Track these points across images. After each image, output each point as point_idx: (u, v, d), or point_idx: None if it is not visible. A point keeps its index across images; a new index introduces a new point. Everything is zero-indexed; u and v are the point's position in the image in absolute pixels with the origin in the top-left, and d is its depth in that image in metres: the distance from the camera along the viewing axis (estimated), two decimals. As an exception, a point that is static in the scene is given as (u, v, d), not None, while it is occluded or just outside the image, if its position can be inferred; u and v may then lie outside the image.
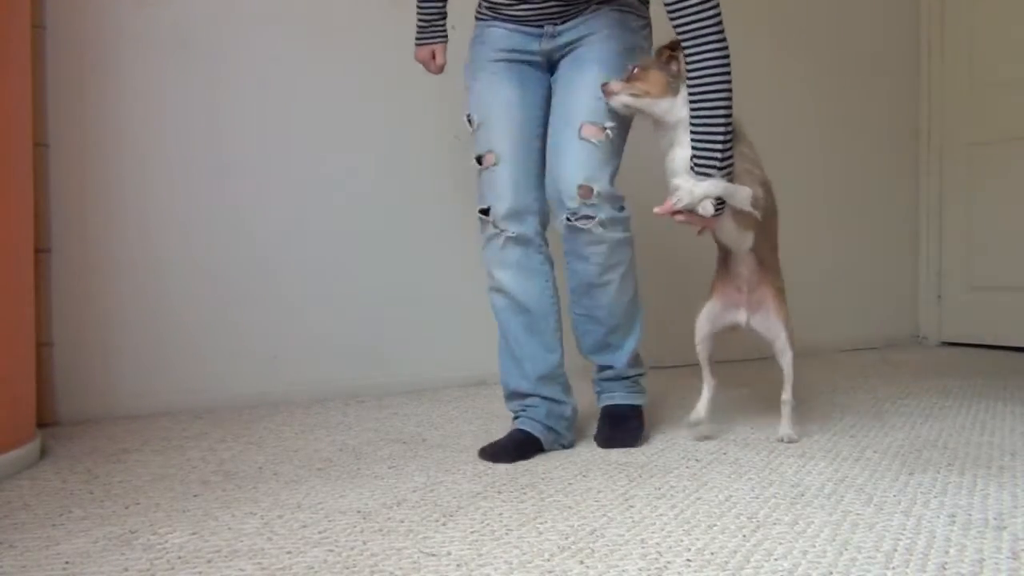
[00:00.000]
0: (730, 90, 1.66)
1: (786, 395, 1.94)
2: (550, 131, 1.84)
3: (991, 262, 3.75)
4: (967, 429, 2.05)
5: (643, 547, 1.24)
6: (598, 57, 1.80)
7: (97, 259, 2.31)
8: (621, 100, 1.74)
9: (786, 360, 1.91)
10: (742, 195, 1.72)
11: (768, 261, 1.89)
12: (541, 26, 1.84)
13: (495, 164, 1.83)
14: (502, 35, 1.87)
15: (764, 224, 1.82)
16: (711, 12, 1.62)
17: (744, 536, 1.28)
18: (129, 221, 2.35)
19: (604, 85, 1.75)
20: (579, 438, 1.95)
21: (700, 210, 1.69)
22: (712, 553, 1.21)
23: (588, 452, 1.86)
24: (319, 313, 2.59)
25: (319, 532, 1.33)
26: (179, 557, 1.22)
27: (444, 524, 1.36)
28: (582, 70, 1.80)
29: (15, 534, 1.34)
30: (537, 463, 1.77)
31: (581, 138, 1.76)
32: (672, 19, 1.65)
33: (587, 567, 1.16)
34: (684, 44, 1.65)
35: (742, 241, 1.83)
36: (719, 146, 1.66)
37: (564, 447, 1.89)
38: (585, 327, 1.91)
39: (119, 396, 2.32)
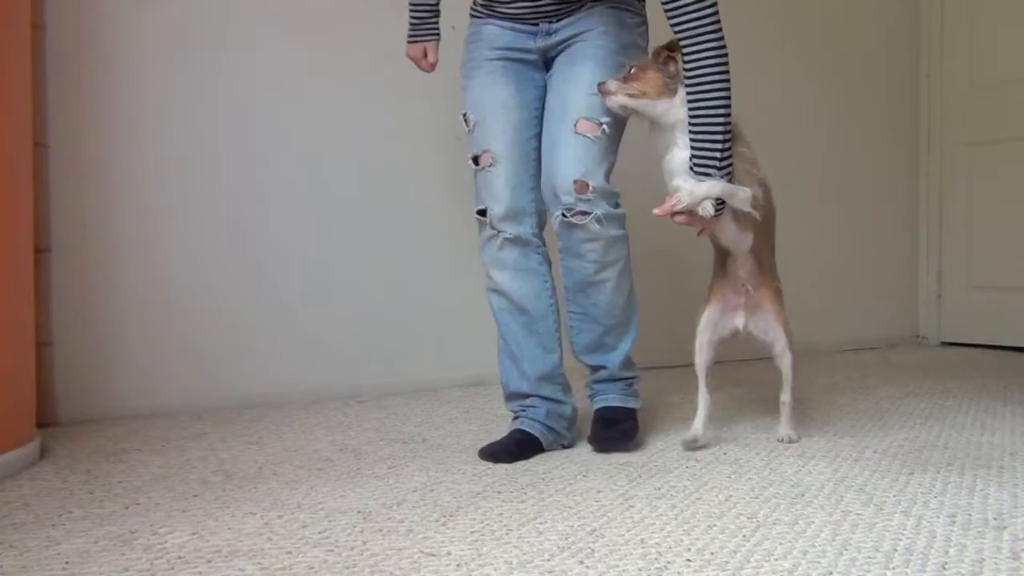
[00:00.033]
0: (729, 90, 1.65)
1: (785, 396, 1.93)
2: (545, 127, 1.83)
3: (991, 262, 3.75)
4: (967, 429, 2.05)
5: (643, 547, 1.24)
6: (593, 54, 1.79)
7: (97, 259, 2.31)
8: (618, 101, 1.73)
9: (786, 363, 1.90)
10: (742, 196, 1.71)
11: (766, 262, 1.88)
12: (536, 24, 1.84)
13: (491, 165, 1.83)
14: (497, 33, 1.86)
15: (763, 225, 1.82)
16: (709, 12, 1.62)
17: (744, 536, 1.28)
18: (129, 221, 2.35)
19: (601, 85, 1.74)
20: (579, 438, 1.95)
21: (700, 211, 1.68)
22: (712, 553, 1.21)
23: (588, 452, 1.86)
24: (319, 313, 2.59)
25: (319, 532, 1.33)
26: (179, 557, 1.22)
27: (444, 524, 1.36)
28: (577, 66, 1.79)
29: (15, 534, 1.34)
30: (537, 463, 1.77)
31: (576, 133, 1.75)
32: (670, 18, 1.64)
33: (587, 567, 1.16)
34: (682, 44, 1.65)
35: (741, 242, 1.82)
36: (719, 146, 1.66)
37: (564, 447, 1.89)
38: (581, 326, 1.89)
39: (119, 396, 2.32)
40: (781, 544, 1.25)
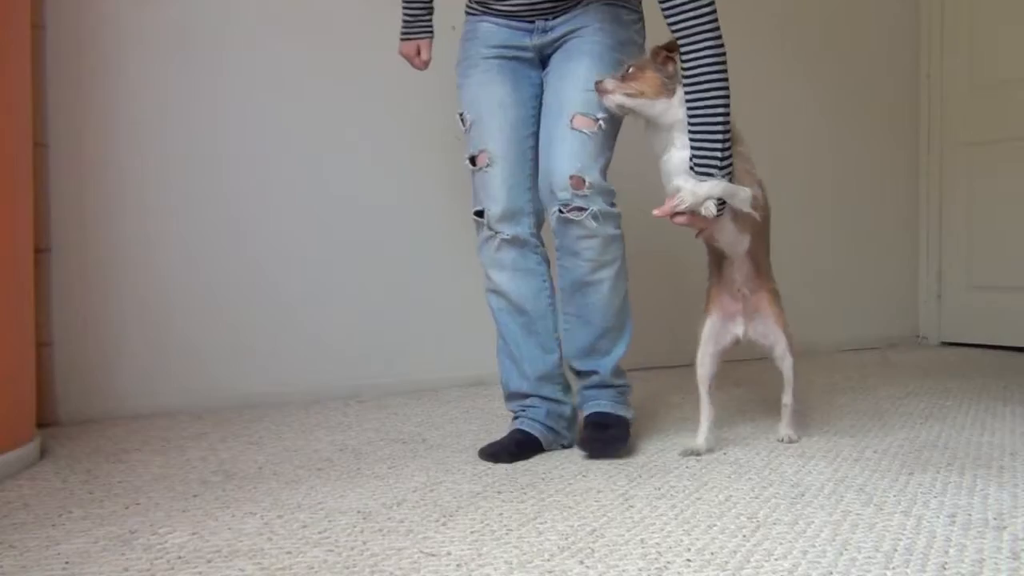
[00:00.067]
0: (728, 89, 1.65)
1: (787, 398, 1.92)
2: (542, 123, 1.82)
3: (991, 262, 3.75)
4: (967, 429, 2.05)
5: (643, 547, 1.24)
6: (590, 49, 1.78)
7: (97, 259, 2.31)
8: (615, 100, 1.71)
9: (787, 366, 1.89)
10: (743, 196, 1.70)
11: (763, 265, 1.87)
12: (532, 21, 1.83)
13: (488, 165, 1.82)
14: (493, 31, 1.85)
15: (760, 226, 1.80)
16: (706, 10, 1.61)
17: (744, 536, 1.28)
18: (129, 221, 2.35)
19: (598, 83, 1.72)
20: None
21: (703, 211, 1.66)
22: (712, 553, 1.21)
23: (588, 452, 1.86)
24: (319, 313, 2.59)
25: (319, 532, 1.33)
26: (179, 557, 1.22)
27: (444, 524, 1.36)
28: (573, 62, 1.79)
29: (15, 534, 1.34)
30: (537, 463, 1.77)
31: (572, 129, 1.74)
32: (667, 17, 1.64)
33: (587, 567, 1.16)
34: (680, 43, 1.64)
35: (739, 244, 1.80)
36: (719, 145, 1.65)
37: (564, 447, 1.89)
38: (575, 330, 1.85)
39: (119, 396, 2.32)
40: (781, 544, 1.25)
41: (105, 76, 2.33)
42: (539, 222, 1.87)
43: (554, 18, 1.82)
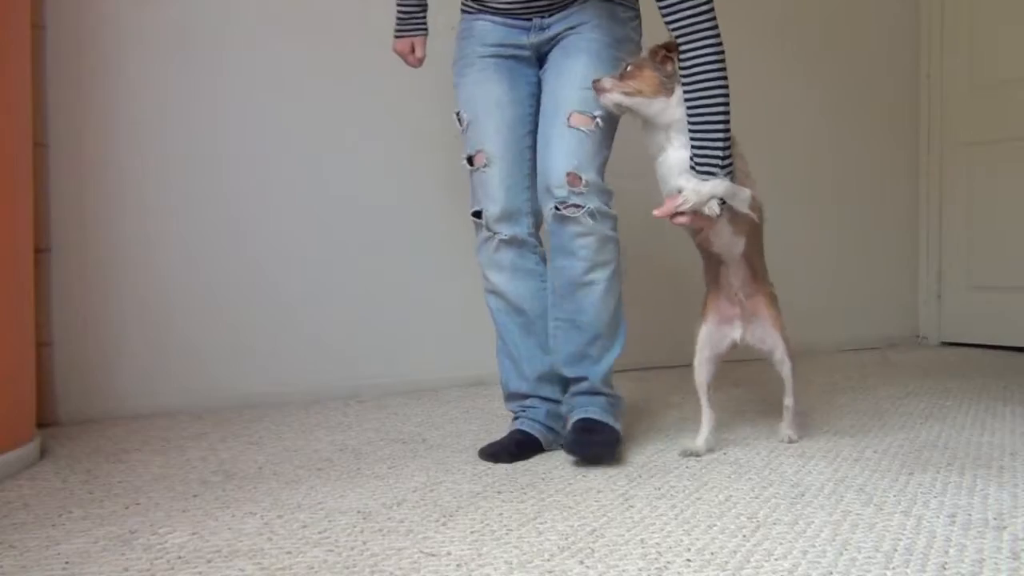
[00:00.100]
0: (727, 87, 1.64)
1: (788, 400, 1.91)
2: (540, 122, 1.81)
3: (991, 262, 3.75)
4: (967, 429, 2.05)
5: (643, 547, 1.24)
6: (586, 47, 1.77)
7: (97, 259, 2.31)
8: (613, 99, 1.70)
9: (786, 370, 1.88)
10: (743, 196, 1.69)
11: (759, 268, 1.85)
12: (529, 19, 1.82)
13: (486, 165, 1.81)
14: (489, 29, 1.84)
15: (755, 228, 1.79)
16: (705, 8, 1.60)
17: (744, 536, 1.28)
18: (129, 221, 2.35)
19: (596, 82, 1.71)
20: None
21: (707, 210, 1.65)
22: (712, 553, 1.21)
23: (588, 452, 1.86)
24: (319, 313, 2.59)
25: (319, 532, 1.33)
26: (179, 557, 1.22)
27: (444, 524, 1.36)
28: (570, 59, 1.77)
29: (15, 534, 1.34)
30: (537, 463, 1.77)
31: (570, 127, 1.73)
32: (665, 16, 1.63)
33: (587, 567, 1.16)
34: (679, 42, 1.63)
35: (735, 247, 1.79)
36: (720, 144, 1.64)
37: (564, 447, 1.89)
38: (565, 335, 1.80)
39: (119, 396, 2.32)
40: (781, 544, 1.25)
41: (105, 76, 2.33)
42: (537, 222, 1.86)
43: (550, 15, 1.81)
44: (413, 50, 1.97)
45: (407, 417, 2.28)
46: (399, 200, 2.72)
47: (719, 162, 1.64)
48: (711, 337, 1.85)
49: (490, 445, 1.83)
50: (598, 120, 1.74)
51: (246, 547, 1.26)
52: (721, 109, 1.63)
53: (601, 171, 1.77)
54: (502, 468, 1.73)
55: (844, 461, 1.74)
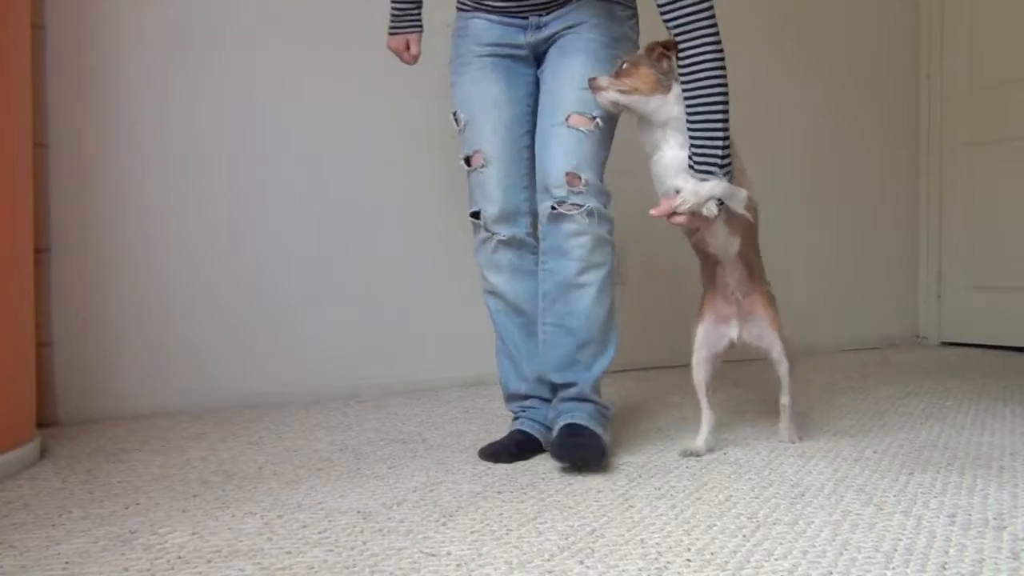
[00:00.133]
0: (727, 86, 1.62)
1: (785, 399, 1.90)
2: (538, 122, 1.80)
3: (991, 262, 3.75)
4: (967, 429, 2.05)
5: (643, 547, 1.24)
6: (584, 46, 1.76)
7: (97, 259, 2.31)
8: (609, 97, 1.68)
9: (783, 369, 1.86)
10: (741, 196, 1.68)
11: (755, 267, 1.84)
12: (526, 17, 1.80)
13: (483, 165, 1.80)
14: (485, 27, 1.83)
15: (750, 227, 1.79)
16: (705, 7, 1.59)
17: (744, 536, 1.28)
18: (129, 221, 2.35)
19: (592, 80, 1.69)
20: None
21: (705, 211, 1.64)
22: (712, 553, 1.21)
23: (588, 452, 1.86)
24: (319, 313, 2.59)
25: (319, 532, 1.33)
26: (179, 557, 1.22)
27: (444, 524, 1.36)
28: (568, 59, 1.76)
29: (15, 534, 1.34)
30: (537, 463, 1.77)
31: (569, 127, 1.72)
32: (663, 14, 1.61)
33: (587, 567, 1.16)
34: (678, 40, 1.61)
35: (730, 246, 1.78)
36: (720, 144, 1.63)
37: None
38: (554, 340, 1.76)
39: (119, 396, 2.32)
40: (781, 544, 1.25)
41: (105, 76, 2.33)
42: (536, 222, 1.85)
43: (547, 13, 1.79)
44: (408, 47, 1.96)
45: (407, 417, 2.28)
46: (399, 200, 2.73)
47: (718, 162, 1.63)
48: (708, 337, 1.85)
49: (490, 445, 1.83)
50: (598, 121, 1.73)
51: (246, 547, 1.26)
52: (721, 108, 1.62)
53: (600, 172, 1.76)
54: (502, 468, 1.72)
55: (844, 461, 1.74)
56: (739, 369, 2.52)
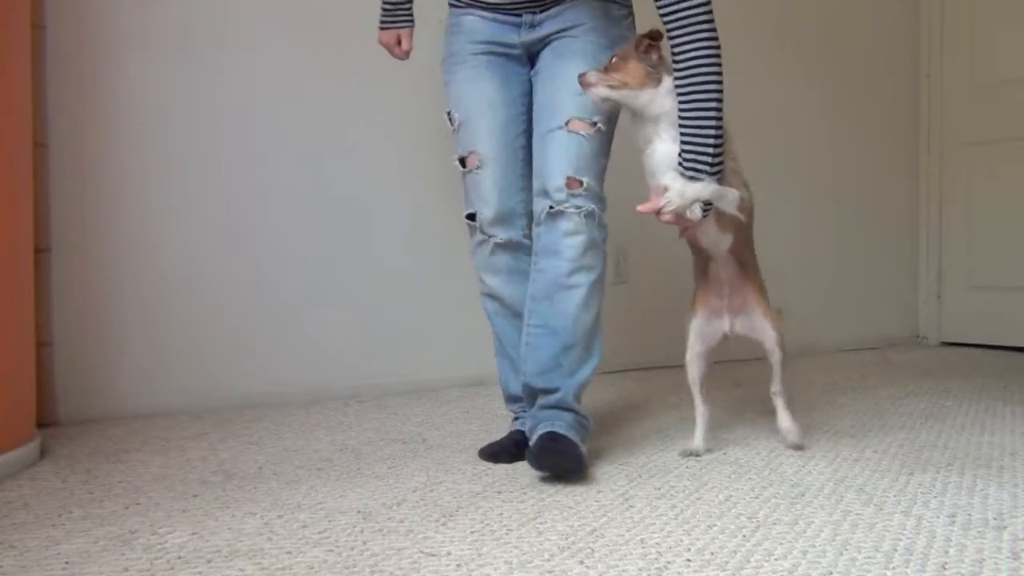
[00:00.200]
0: (721, 84, 1.59)
1: (775, 387, 1.85)
2: (535, 128, 1.77)
3: (991, 262, 3.75)
4: (967, 429, 2.05)
5: (643, 547, 1.24)
6: (582, 49, 1.72)
7: (97, 259, 2.31)
8: (599, 92, 1.65)
9: (775, 358, 1.83)
10: (731, 198, 1.65)
11: (747, 262, 1.83)
12: (519, 15, 1.77)
13: (479, 167, 1.78)
14: (478, 24, 1.80)
15: (743, 225, 1.77)
16: (703, 7, 1.56)
17: (744, 536, 1.28)
18: (129, 221, 2.35)
19: (581, 76, 1.65)
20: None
21: (688, 214, 1.62)
22: (712, 553, 1.21)
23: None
24: (319, 313, 2.60)
25: (319, 532, 1.33)
26: (179, 557, 1.22)
27: (444, 524, 1.36)
28: (565, 63, 1.72)
29: (15, 534, 1.34)
30: (537, 463, 1.76)
31: (569, 132, 1.70)
32: (662, 13, 1.59)
33: (587, 567, 1.16)
34: (673, 36, 1.58)
35: (721, 243, 1.77)
36: (711, 144, 1.59)
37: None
38: (538, 341, 1.71)
39: (119, 396, 2.32)
40: (781, 544, 1.25)
41: (105, 76, 2.33)
42: (531, 224, 1.83)
43: (541, 11, 1.76)
44: (399, 42, 1.94)
45: (407, 417, 2.28)
46: (399, 200, 2.73)
47: (707, 164, 1.60)
48: (702, 331, 1.84)
49: (490, 445, 1.83)
50: (599, 126, 1.71)
51: (246, 547, 1.26)
52: (713, 109, 1.59)
53: (599, 177, 1.73)
54: (502, 468, 1.72)
55: (844, 461, 1.74)
56: (739, 369, 2.52)
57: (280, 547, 1.26)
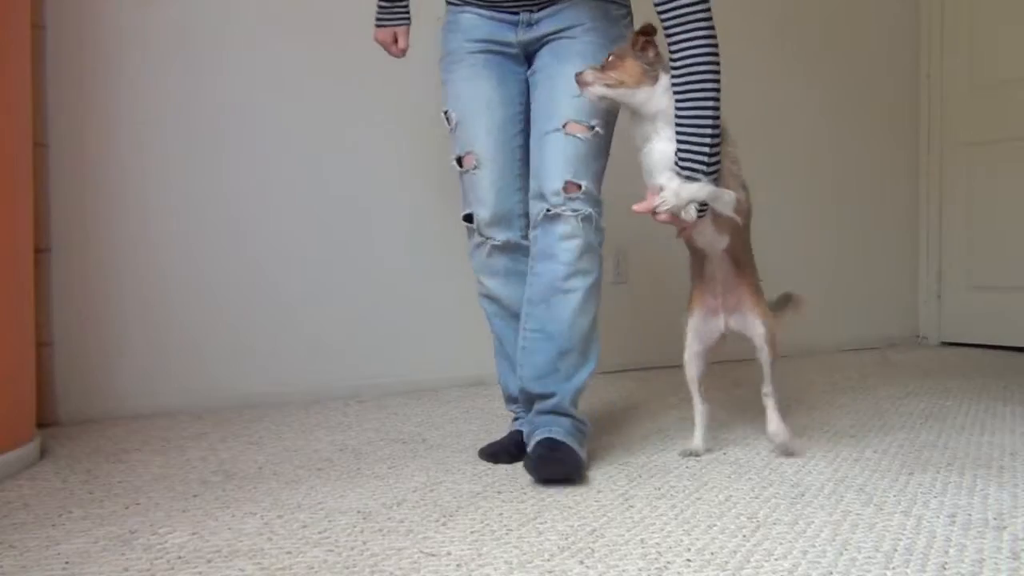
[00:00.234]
0: (719, 83, 1.57)
1: (767, 388, 1.84)
2: (533, 129, 1.76)
3: (991, 262, 3.75)
4: (967, 429, 2.05)
5: (643, 547, 1.24)
6: (581, 50, 1.71)
7: (97, 259, 2.31)
8: (595, 91, 1.63)
9: (764, 356, 1.81)
10: (727, 199, 1.64)
11: (744, 261, 1.82)
12: (516, 13, 1.75)
13: (476, 167, 1.77)
14: (476, 23, 1.78)
15: (739, 225, 1.76)
16: (702, 6, 1.55)
17: (744, 536, 1.28)
18: (129, 221, 2.35)
19: (578, 75, 1.64)
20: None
21: (683, 215, 1.62)
22: (712, 553, 1.21)
23: (588, 452, 1.86)
24: (319, 313, 2.60)
25: (319, 532, 1.33)
26: (179, 557, 1.22)
27: (444, 524, 1.36)
28: (564, 66, 1.70)
29: (15, 534, 1.34)
30: (537, 463, 1.76)
31: (567, 135, 1.68)
32: (660, 12, 1.57)
33: (587, 567, 1.16)
34: (671, 35, 1.57)
35: (717, 243, 1.76)
36: (707, 145, 1.58)
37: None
38: (535, 345, 1.70)
39: (119, 396, 2.32)
40: (781, 544, 1.25)
41: (105, 76, 2.33)
42: (530, 224, 1.83)
43: (539, 10, 1.74)
44: (396, 40, 1.93)
45: (407, 417, 2.28)
46: (399, 200, 2.73)
47: (704, 165, 1.59)
48: (699, 330, 1.83)
49: (490, 445, 1.83)
50: (597, 129, 1.70)
51: (246, 547, 1.26)
52: (710, 110, 1.57)
53: (597, 181, 1.72)
54: (502, 468, 1.72)
55: (844, 461, 1.74)
56: (739, 369, 2.52)
57: (280, 547, 1.26)
